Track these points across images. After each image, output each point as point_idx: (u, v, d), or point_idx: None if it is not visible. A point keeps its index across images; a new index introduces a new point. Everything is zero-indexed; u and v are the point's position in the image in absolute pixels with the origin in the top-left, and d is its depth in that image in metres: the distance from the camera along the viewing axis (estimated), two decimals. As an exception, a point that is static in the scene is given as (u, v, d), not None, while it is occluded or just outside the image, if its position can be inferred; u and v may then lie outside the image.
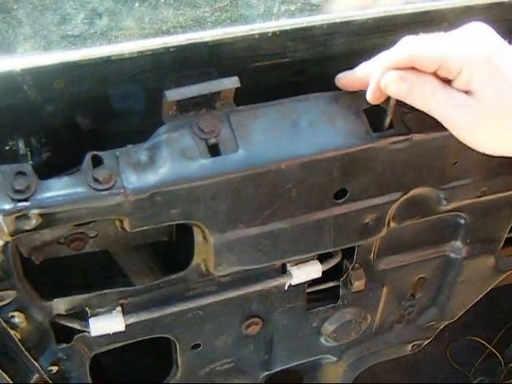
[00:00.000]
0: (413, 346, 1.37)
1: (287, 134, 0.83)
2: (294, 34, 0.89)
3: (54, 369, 0.99)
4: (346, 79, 0.86)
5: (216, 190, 0.81)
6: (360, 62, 0.86)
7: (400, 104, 0.85)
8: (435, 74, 0.78)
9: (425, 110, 0.80)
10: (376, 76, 0.80)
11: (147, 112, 0.90)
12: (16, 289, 0.86)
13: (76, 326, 0.94)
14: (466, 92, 0.77)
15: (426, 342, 1.38)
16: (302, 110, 0.85)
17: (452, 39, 0.79)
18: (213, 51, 0.86)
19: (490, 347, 1.98)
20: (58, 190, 0.76)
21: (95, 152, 0.79)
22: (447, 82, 0.79)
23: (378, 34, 0.93)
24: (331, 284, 1.10)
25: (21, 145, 0.88)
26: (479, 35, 0.79)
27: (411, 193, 0.95)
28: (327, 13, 0.90)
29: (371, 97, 0.82)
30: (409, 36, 0.79)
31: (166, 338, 1.04)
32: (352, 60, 0.88)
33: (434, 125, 0.87)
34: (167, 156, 0.79)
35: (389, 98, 0.84)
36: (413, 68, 0.78)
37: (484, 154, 0.82)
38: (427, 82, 0.78)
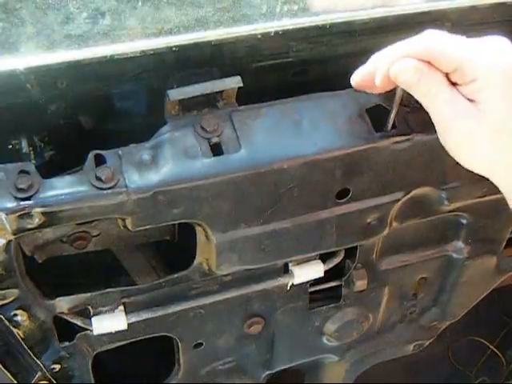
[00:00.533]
0: (415, 346, 1.37)
1: (289, 134, 0.83)
2: (297, 34, 0.89)
3: (57, 367, 0.99)
4: (361, 76, 0.82)
5: (218, 189, 0.81)
6: (362, 63, 0.85)
7: (403, 104, 0.85)
8: (446, 74, 0.77)
9: (425, 105, 0.78)
10: (389, 61, 0.77)
11: (150, 111, 0.91)
12: (19, 287, 0.86)
13: (78, 322, 0.94)
14: (470, 100, 0.76)
15: (428, 342, 1.38)
16: (305, 110, 0.85)
17: (474, 45, 0.77)
18: (215, 51, 0.86)
19: (492, 347, 1.98)
20: (61, 188, 0.76)
21: (98, 151, 0.79)
22: (454, 84, 0.78)
23: (381, 33, 0.93)
24: (333, 284, 1.10)
25: (24, 144, 0.88)
26: (501, 49, 0.77)
27: (413, 193, 0.95)
28: (329, 12, 0.90)
29: (380, 82, 0.79)
30: (432, 29, 0.77)
31: (168, 336, 1.04)
32: (354, 60, 0.87)
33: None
34: (170, 155, 0.80)
35: (393, 98, 0.84)
36: (427, 62, 0.76)
37: None
38: (436, 78, 0.76)
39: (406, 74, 0.76)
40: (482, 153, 0.77)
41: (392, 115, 0.85)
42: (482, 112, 0.75)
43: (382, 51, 0.80)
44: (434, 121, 0.79)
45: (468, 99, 0.76)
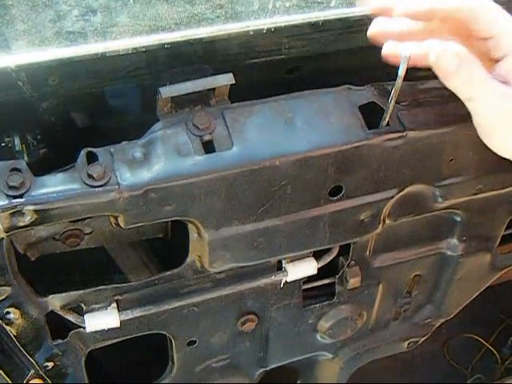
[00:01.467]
0: (409, 344, 1.37)
1: (282, 131, 0.83)
2: (289, 31, 0.89)
3: (50, 365, 0.99)
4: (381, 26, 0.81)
5: (210, 186, 0.81)
6: (356, 60, 0.85)
7: (396, 102, 0.85)
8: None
9: (463, 94, 0.76)
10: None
11: (142, 109, 0.91)
12: (11, 285, 0.86)
13: (71, 318, 0.93)
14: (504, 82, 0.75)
15: (423, 340, 1.37)
16: (297, 107, 0.85)
17: (508, 20, 0.75)
18: (207, 48, 0.86)
19: (488, 345, 1.98)
20: (53, 186, 0.76)
21: (90, 148, 0.79)
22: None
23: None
24: (327, 281, 1.10)
25: (17, 141, 0.88)
26: None
27: (407, 190, 0.95)
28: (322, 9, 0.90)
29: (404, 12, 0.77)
30: None
31: (161, 334, 1.04)
32: (348, 57, 0.87)
33: (430, 122, 0.87)
34: (162, 153, 0.79)
35: (386, 95, 0.83)
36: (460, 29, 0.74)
37: (504, 158, 0.79)
38: (475, 61, 0.74)
39: (445, 59, 0.74)
40: None
41: (388, 112, 0.85)
42: None
43: None
44: (471, 108, 0.76)
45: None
